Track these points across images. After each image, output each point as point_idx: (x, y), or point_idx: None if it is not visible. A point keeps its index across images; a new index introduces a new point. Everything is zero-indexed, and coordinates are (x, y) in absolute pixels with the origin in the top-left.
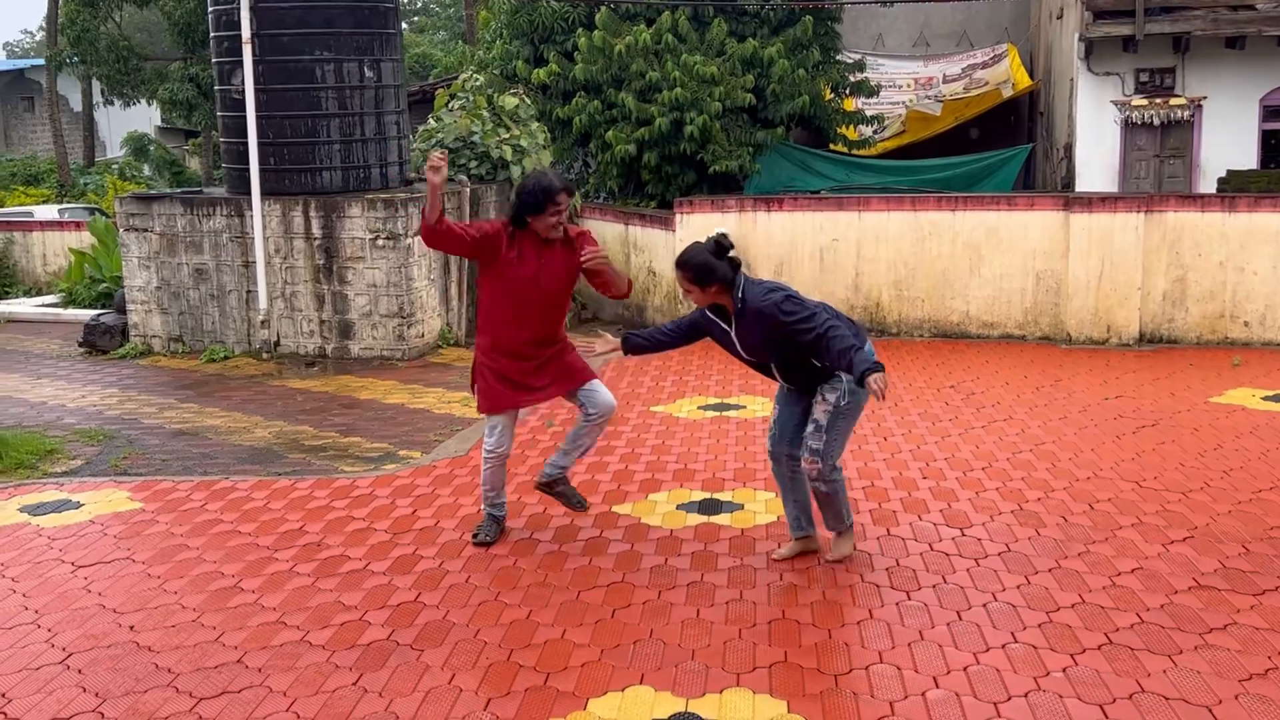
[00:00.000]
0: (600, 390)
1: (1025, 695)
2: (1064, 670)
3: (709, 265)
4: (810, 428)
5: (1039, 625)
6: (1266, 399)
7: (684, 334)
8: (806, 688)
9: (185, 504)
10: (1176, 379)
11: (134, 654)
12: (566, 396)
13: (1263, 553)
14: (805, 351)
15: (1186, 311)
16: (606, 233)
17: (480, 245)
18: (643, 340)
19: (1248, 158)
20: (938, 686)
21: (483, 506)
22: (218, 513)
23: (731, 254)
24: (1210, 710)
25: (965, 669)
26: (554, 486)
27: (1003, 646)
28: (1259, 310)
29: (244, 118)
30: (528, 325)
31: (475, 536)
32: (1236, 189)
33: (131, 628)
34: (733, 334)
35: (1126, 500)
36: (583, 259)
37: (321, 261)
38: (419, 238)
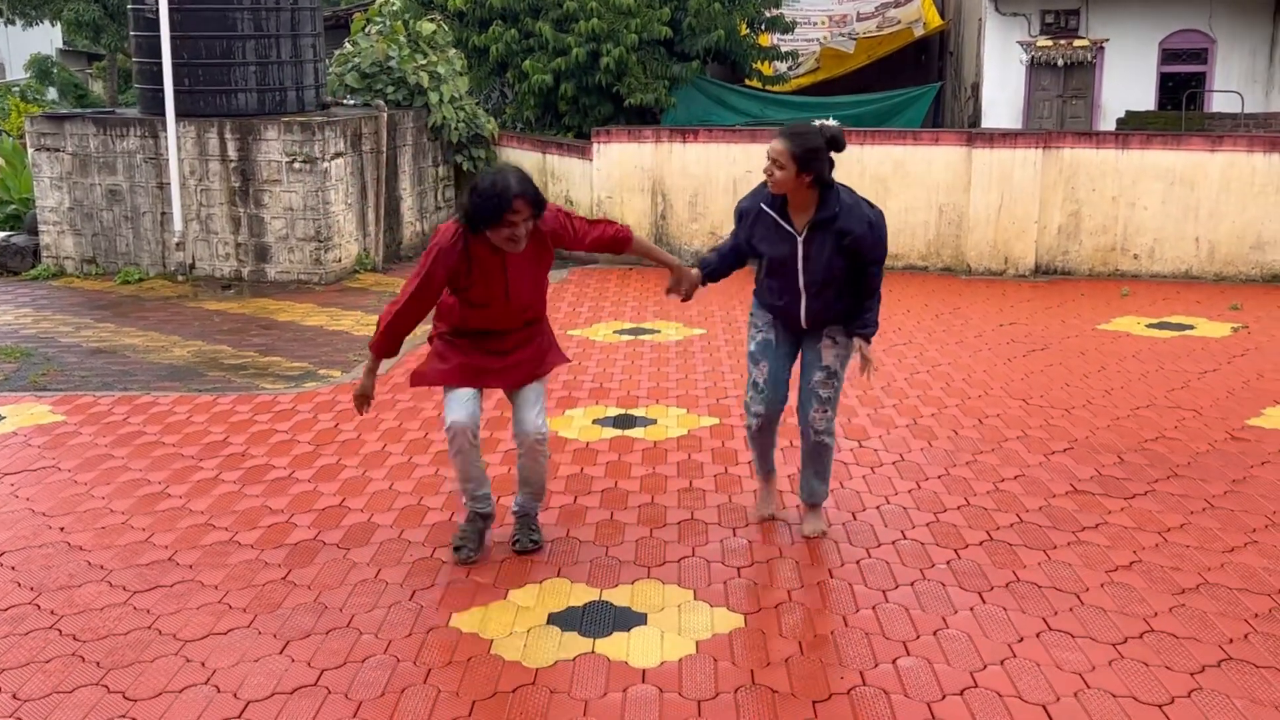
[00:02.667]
0: (534, 406)
1: (911, 584)
2: (948, 563)
3: (817, 151)
4: (820, 374)
5: (926, 525)
6: (1150, 326)
7: (737, 257)
8: (712, 579)
9: (107, 417)
10: (1068, 307)
11: (66, 553)
12: (508, 392)
13: (1136, 462)
14: (854, 286)
15: (1080, 244)
16: (524, 161)
17: (440, 290)
18: (716, 263)
19: (1147, 99)
20: (832, 577)
21: (464, 502)
22: (140, 425)
23: (833, 156)
24: (1078, 596)
25: (858, 562)
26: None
27: (893, 543)
28: (1148, 244)
29: (158, 37)
30: (501, 332)
31: (456, 551)
32: (1134, 128)
33: (62, 529)
34: (799, 241)
35: (1014, 416)
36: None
37: (237, 184)
38: (334, 162)
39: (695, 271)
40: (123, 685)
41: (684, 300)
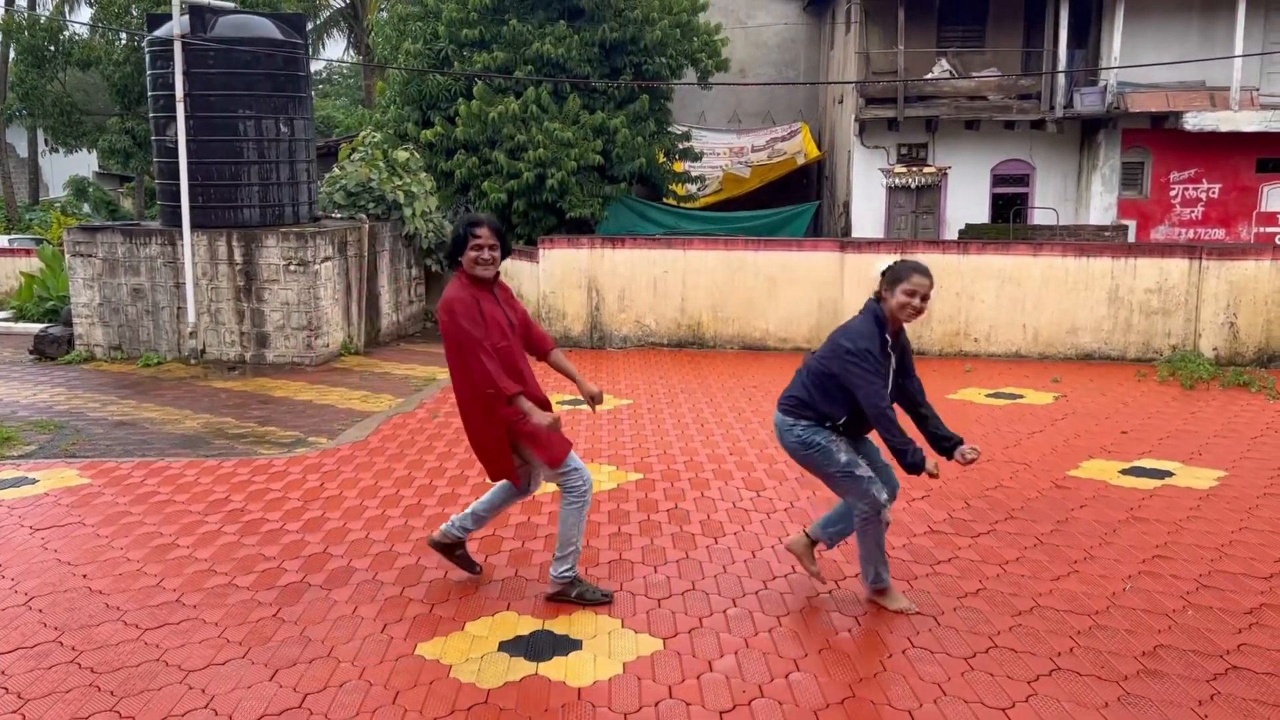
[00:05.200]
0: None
1: (801, 611)
2: (830, 592)
3: None
4: (888, 471)
5: None
6: (988, 395)
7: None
8: (636, 609)
9: (127, 479)
10: (923, 381)
11: (87, 597)
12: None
13: (980, 507)
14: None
15: (931, 330)
16: None
17: (480, 318)
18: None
19: (981, 214)
20: (735, 606)
21: (448, 529)
22: (155, 486)
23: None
24: (935, 619)
25: (756, 593)
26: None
27: (785, 576)
28: (985, 329)
29: (176, 163)
30: (526, 375)
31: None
32: (972, 238)
33: (84, 576)
34: (893, 359)
35: None
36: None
37: (242, 283)
38: (324, 265)
39: (594, 391)
40: (133, 711)
41: (595, 407)
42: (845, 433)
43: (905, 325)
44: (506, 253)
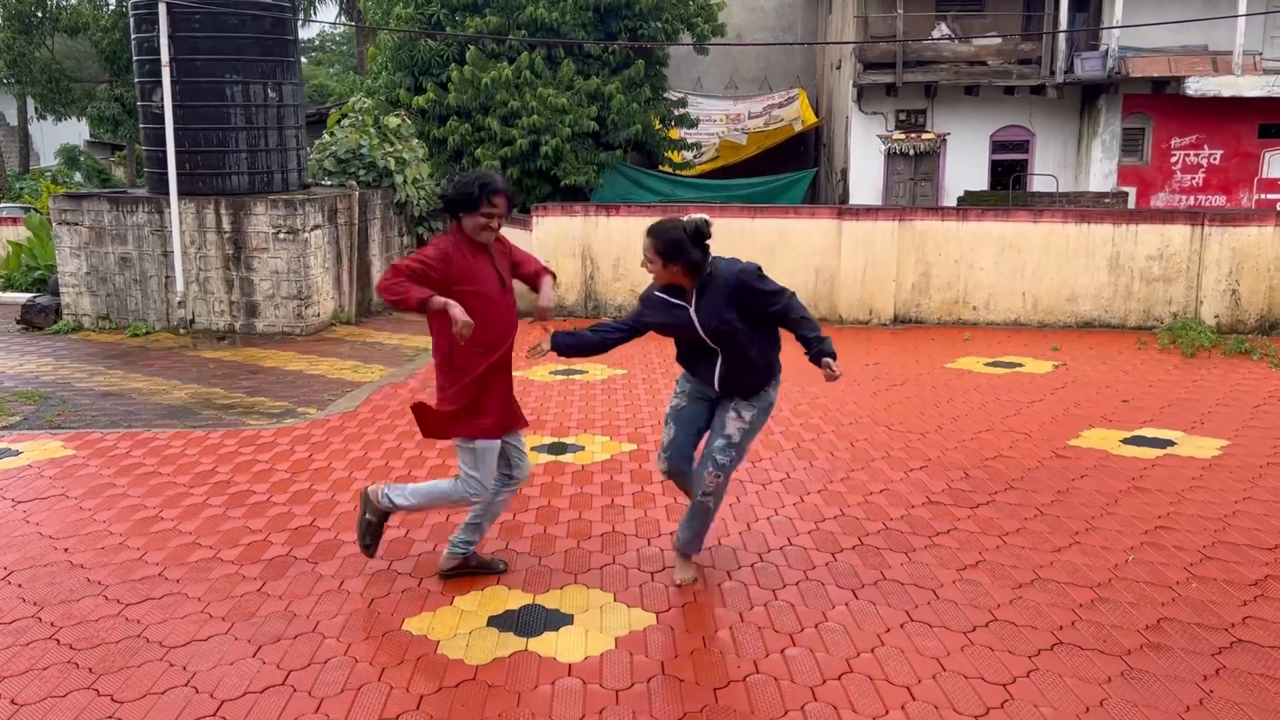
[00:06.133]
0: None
1: (797, 584)
2: (826, 565)
3: (679, 244)
4: (720, 441)
5: (808, 532)
6: (987, 364)
7: (625, 333)
8: (629, 583)
9: (112, 451)
10: (921, 350)
11: (68, 571)
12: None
13: (979, 477)
14: (764, 332)
15: (930, 298)
16: None
17: (443, 275)
18: (572, 341)
19: (981, 180)
20: (730, 579)
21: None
22: (141, 458)
23: (707, 243)
24: (934, 592)
25: (752, 566)
26: (467, 565)
27: (781, 549)
28: (984, 297)
29: (163, 129)
30: (500, 340)
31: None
32: (971, 204)
33: (66, 550)
34: (691, 310)
35: (879, 439)
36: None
37: (231, 252)
38: (314, 233)
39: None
40: (112, 689)
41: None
42: (692, 375)
43: (719, 269)
44: (510, 200)
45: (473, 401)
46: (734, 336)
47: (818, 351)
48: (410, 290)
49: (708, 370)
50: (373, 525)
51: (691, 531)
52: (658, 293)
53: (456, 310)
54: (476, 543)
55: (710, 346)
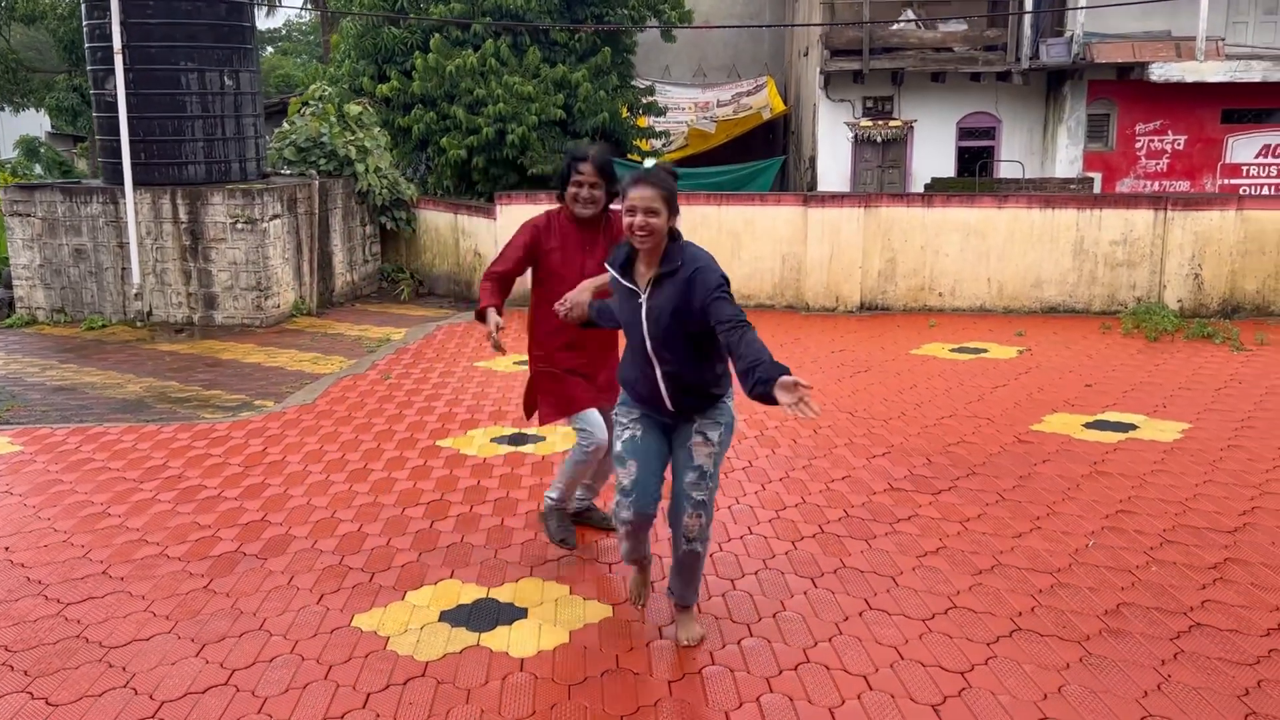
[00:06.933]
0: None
1: (755, 573)
2: (786, 554)
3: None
4: (692, 475)
5: (769, 521)
6: (952, 350)
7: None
8: (586, 575)
9: (61, 446)
10: (886, 336)
11: (6, 570)
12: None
13: (941, 463)
14: (710, 344)
15: (896, 285)
16: (439, 221)
17: (529, 254)
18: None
19: (947, 167)
20: None
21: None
22: (90, 453)
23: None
24: (894, 579)
25: (711, 555)
26: (590, 517)
27: (740, 538)
28: (950, 283)
29: (117, 118)
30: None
31: (563, 543)
32: (937, 191)
33: (6, 548)
34: (643, 298)
35: (842, 426)
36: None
37: (188, 243)
38: (273, 223)
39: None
40: (46, 691)
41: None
42: (634, 395)
43: (691, 259)
44: (613, 184)
45: (548, 379)
46: (679, 349)
47: (773, 378)
48: (483, 298)
49: (650, 385)
50: (555, 526)
51: (684, 581)
52: (610, 267)
53: (491, 325)
54: (590, 499)
55: (651, 356)
